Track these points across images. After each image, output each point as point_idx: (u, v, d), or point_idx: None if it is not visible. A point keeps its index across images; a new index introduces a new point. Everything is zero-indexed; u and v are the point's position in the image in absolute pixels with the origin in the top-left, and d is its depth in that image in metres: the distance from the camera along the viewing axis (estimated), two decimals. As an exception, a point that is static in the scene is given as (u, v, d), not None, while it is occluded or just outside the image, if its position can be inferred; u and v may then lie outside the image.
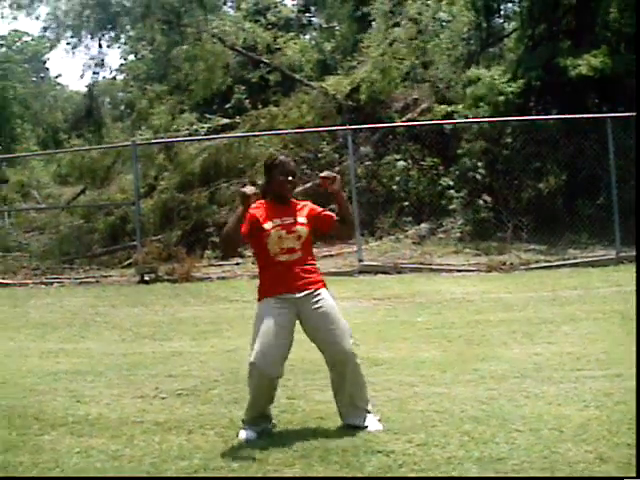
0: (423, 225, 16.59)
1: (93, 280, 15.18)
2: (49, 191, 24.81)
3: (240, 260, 15.85)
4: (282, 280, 5.57)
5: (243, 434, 5.52)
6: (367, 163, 17.86)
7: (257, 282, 5.73)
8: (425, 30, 20.44)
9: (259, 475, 4.78)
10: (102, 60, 29.27)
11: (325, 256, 15.56)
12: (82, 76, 72.23)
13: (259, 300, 5.63)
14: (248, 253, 16.19)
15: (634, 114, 13.53)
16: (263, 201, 5.74)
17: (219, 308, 11.79)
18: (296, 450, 5.11)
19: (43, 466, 5.05)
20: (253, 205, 5.61)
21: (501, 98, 17.16)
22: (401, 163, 17.71)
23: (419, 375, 7.01)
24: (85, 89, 33.57)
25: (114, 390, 6.60)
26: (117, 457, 5.16)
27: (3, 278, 15.78)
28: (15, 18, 32.86)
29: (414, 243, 15.80)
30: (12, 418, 6.12)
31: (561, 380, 6.60)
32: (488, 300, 11.12)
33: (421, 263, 14.43)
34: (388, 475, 4.72)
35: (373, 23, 20.73)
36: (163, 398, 6.53)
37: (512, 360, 7.45)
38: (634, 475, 4.55)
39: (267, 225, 5.59)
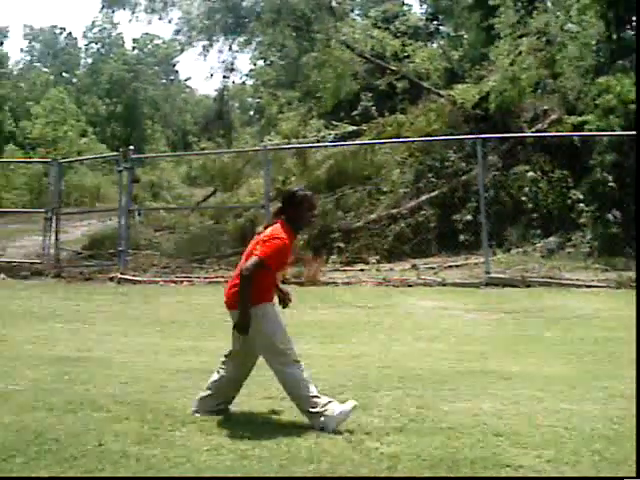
0: (552, 238, 16.28)
1: (222, 280, 15.38)
2: (179, 192, 25.37)
3: (365, 267, 15.93)
4: (272, 291, 6.33)
5: (344, 408, 5.90)
6: (494, 173, 17.66)
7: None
8: (553, 41, 20.11)
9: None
10: (232, 64, 29.79)
11: (450, 266, 15.49)
12: (210, 77, 73.51)
13: (254, 305, 6.03)
14: (372, 260, 16.28)
15: None
16: (286, 229, 6.11)
17: (345, 313, 11.85)
18: (425, 459, 5.11)
19: (175, 460, 5.16)
20: (281, 230, 6.07)
21: (632, 107, 16.73)
22: (530, 174, 17.45)
23: (548, 390, 6.93)
24: (214, 93, 34.21)
25: (243, 390, 6.65)
26: (246, 457, 5.23)
27: (133, 275, 16.21)
28: (150, 22, 33.63)
29: (542, 256, 15.54)
30: (144, 413, 6.28)
31: (698, 403, 6.43)
32: (617, 317, 10.88)
33: (550, 277, 14.20)
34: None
35: (500, 33, 20.48)
36: (292, 401, 6.59)
37: (644, 380, 7.29)
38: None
39: (288, 260, 6.35)
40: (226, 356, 6.45)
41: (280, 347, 6.10)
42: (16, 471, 4.95)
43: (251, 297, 5.99)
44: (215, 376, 6.43)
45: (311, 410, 5.93)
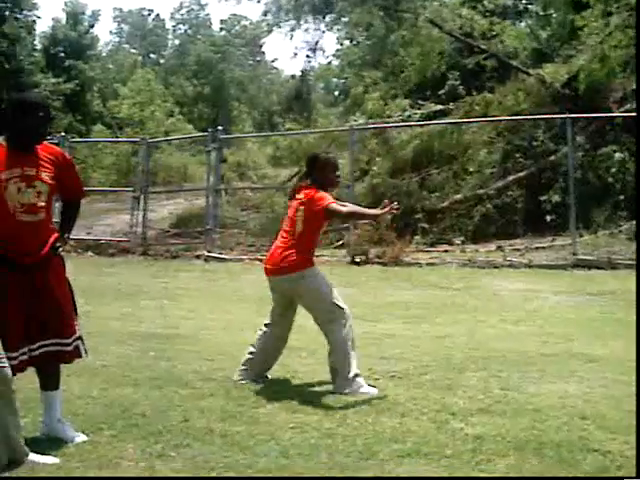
0: (638, 220, 15.95)
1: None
2: (264, 172, 25.51)
3: (450, 248, 15.83)
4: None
5: (368, 390, 6.17)
6: (581, 154, 17.31)
7: (294, 252, 6.37)
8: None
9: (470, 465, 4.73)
10: (316, 43, 29.81)
11: (537, 248, 15.29)
12: (294, 56, 73.66)
13: (307, 267, 6.41)
14: (457, 241, 16.16)
15: None
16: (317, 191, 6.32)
17: (429, 294, 11.79)
18: (510, 441, 5.05)
19: (259, 437, 5.18)
20: (316, 191, 6.29)
21: None
22: (618, 155, 17.09)
23: (635, 374, 6.79)
24: (299, 74, 34.25)
25: (327, 368, 6.68)
26: (330, 435, 5.23)
27: (220, 253, 16.38)
28: (239, 2, 33.84)
29: (628, 239, 15.21)
30: (230, 389, 6.35)
31: None
32: None
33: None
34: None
35: (589, 10, 20.00)
36: (376, 379, 6.57)
37: None
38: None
39: None
40: (266, 325, 6.73)
41: (337, 305, 6.40)
42: (104, 443, 5.05)
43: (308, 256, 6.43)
44: (253, 347, 6.73)
45: (357, 372, 6.25)
